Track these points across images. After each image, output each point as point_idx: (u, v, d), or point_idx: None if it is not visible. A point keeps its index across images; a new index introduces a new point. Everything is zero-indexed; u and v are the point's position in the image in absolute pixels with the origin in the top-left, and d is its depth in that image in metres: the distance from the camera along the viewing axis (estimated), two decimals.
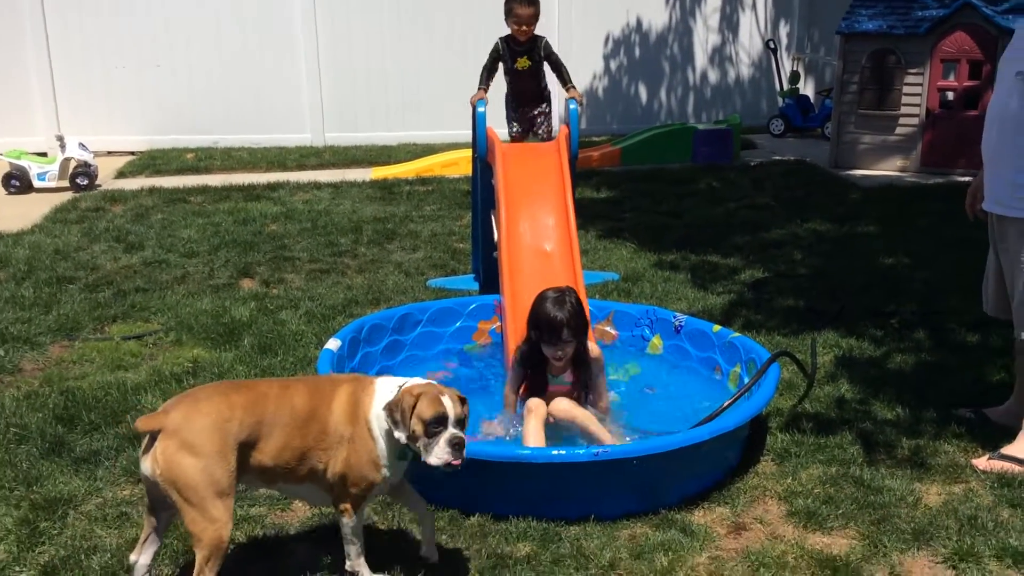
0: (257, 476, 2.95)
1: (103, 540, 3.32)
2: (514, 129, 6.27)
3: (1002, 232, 3.87)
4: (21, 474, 3.74)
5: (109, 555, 3.22)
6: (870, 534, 3.41)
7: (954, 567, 3.24)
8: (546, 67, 6.00)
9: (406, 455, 2.96)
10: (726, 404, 3.88)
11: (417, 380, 3.01)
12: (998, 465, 3.84)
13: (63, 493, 3.61)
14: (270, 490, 3.24)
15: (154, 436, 2.79)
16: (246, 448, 2.85)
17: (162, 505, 2.88)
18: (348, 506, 2.97)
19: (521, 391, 4.12)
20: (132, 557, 3.01)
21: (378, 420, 2.93)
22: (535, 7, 5.72)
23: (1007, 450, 3.91)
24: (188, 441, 2.75)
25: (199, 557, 2.76)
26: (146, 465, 2.80)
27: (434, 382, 3.03)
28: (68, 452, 3.94)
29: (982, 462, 3.88)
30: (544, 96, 6.13)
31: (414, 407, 2.84)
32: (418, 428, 2.84)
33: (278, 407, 2.93)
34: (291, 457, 2.91)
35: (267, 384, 3.09)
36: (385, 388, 2.98)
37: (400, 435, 2.86)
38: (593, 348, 4.15)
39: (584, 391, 4.08)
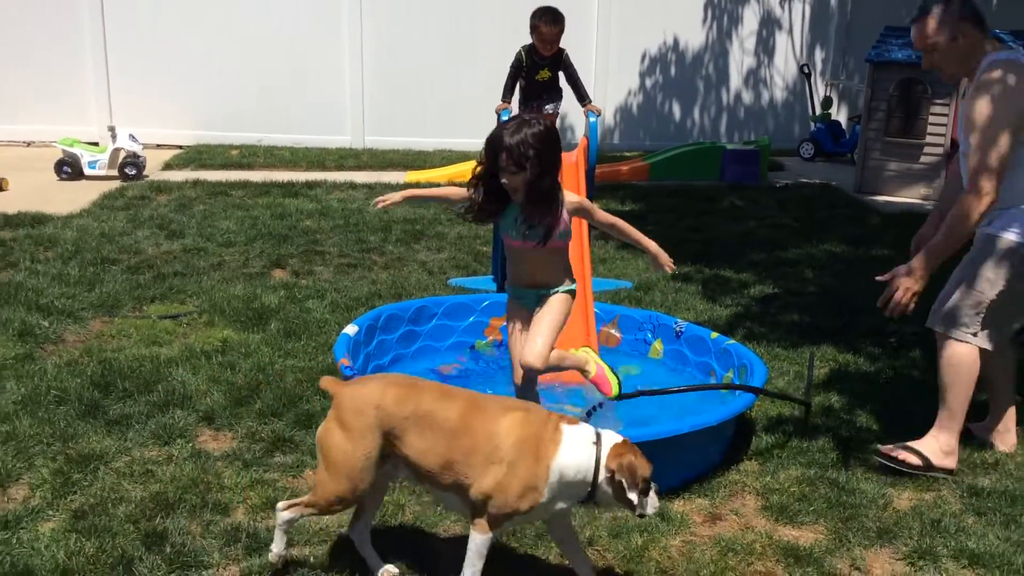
0: (409, 471, 3.08)
1: (129, 493, 3.65)
2: None
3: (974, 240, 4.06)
4: (59, 431, 4.09)
5: (133, 506, 3.54)
6: (837, 530, 3.64)
7: (912, 564, 3.46)
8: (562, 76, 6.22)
9: (586, 501, 3.04)
10: (676, 389, 4.24)
11: (610, 434, 3.04)
12: (898, 452, 4.07)
13: (95, 450, 3.95)
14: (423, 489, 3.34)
15: None
16: (392, 438, 3.01)
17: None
18: (484, 522, 2.97)
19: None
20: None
21: (561, 471, 2.93)
22: (560, 25, 5.94)
23: (912, 443, 4.12)
24: (341, 415, 3.02)
25: (308, 498, 3.08)
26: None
27: (621, 436, 3.06)
28: (102, 415, 4.29)
29: (887, 448, 4.12)
30: (557, 92, 6.29)
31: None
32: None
33: (431, 410, 3.01)
34: (435, 463, 2.99)
35: (429, 386, 3.18)
36: (577, 440, 2.98)
37: (633, 496, 2.93)
38: (571, 197, 3.84)
39: (540, 238, 3.76)
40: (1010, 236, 3.90)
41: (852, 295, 6.58)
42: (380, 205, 4.00)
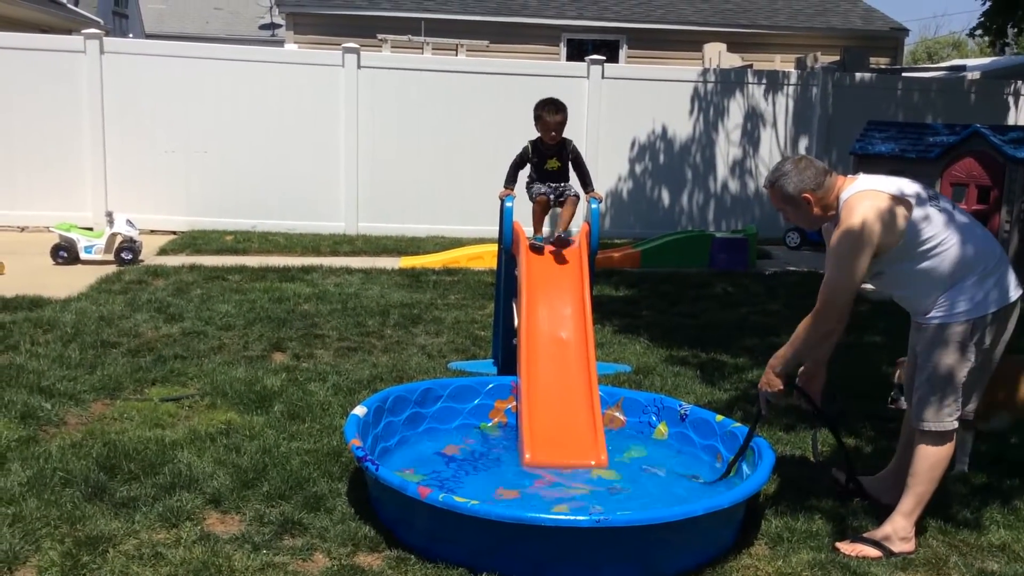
0: None
1: (139, 575, 3.61)
2: (540, 190, 6.27)
3: (919, 334, 4.21)
4: (66, 514, 4.05)
5: None
6: None
7: None
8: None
9: None
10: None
11: None
12: (857, 548, 4.09)
13: (104, 532, 3.91)
14: None
15: None
16: None
17: None
18: None
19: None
20: None
21: None
22: (563, 114, 6.11)
23: (869, 534, 4.16)
24: None
25: None
26: None
27: None
28: (109, 497, 4.25)
29: (845, 545, 4.13)
30: (568, 178, 6.39)
31: None
32: None
33: None
34: None
35: None
36: None
37: None
38: None
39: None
40: (958, 318, 4.04)
41: (847, 380, 6.65)
42: None
